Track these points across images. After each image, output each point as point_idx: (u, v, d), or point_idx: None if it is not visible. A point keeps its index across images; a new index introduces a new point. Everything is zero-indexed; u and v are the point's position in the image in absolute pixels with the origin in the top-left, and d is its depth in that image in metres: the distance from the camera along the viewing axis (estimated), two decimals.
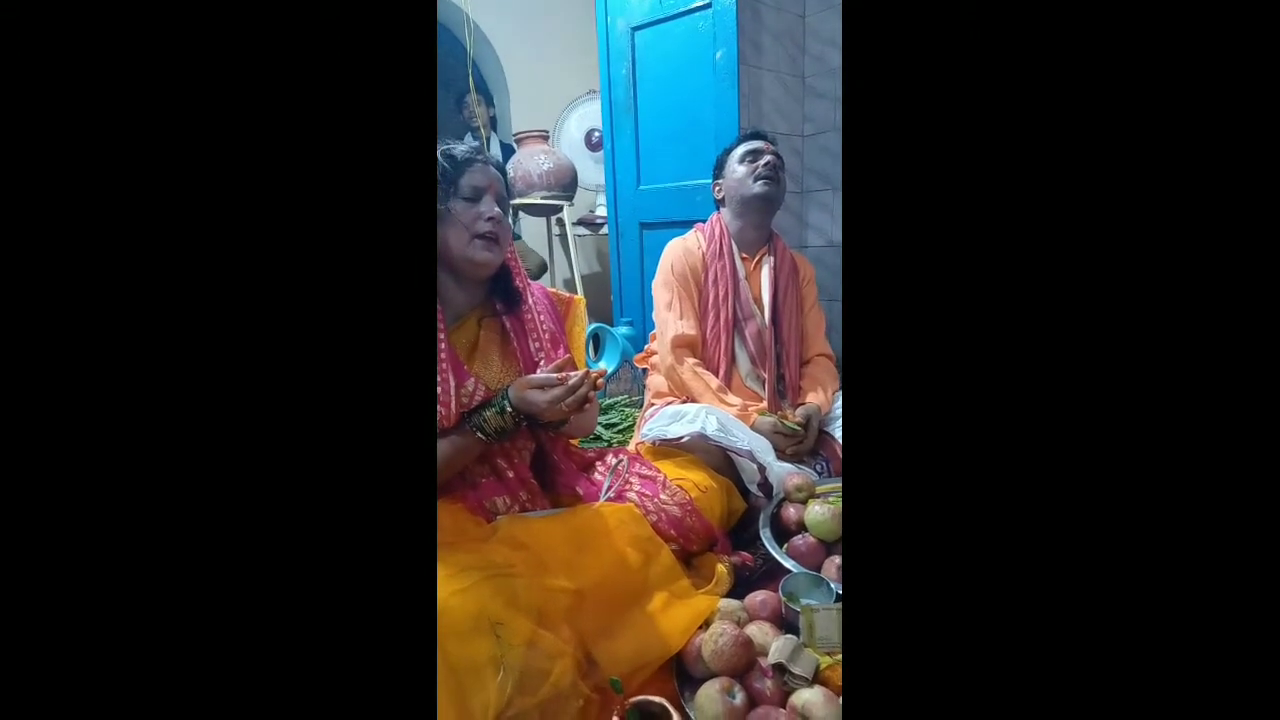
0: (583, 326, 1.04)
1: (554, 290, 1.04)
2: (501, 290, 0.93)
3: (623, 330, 2.04)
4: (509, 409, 0.82)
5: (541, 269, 2.62)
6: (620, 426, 1.73)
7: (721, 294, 1.32)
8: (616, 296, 2.11)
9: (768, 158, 1.31)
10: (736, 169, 1.32)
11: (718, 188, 1.39)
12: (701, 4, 1.66)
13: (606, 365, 1.99)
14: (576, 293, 2.46)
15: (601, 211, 2.69)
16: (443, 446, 0.82)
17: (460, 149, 0.87)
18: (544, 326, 0.94)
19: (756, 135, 1.37)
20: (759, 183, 1.29)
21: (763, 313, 1.34)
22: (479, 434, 0.83)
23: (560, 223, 2.64)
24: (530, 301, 0.94)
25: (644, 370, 1.50)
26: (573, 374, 0.80)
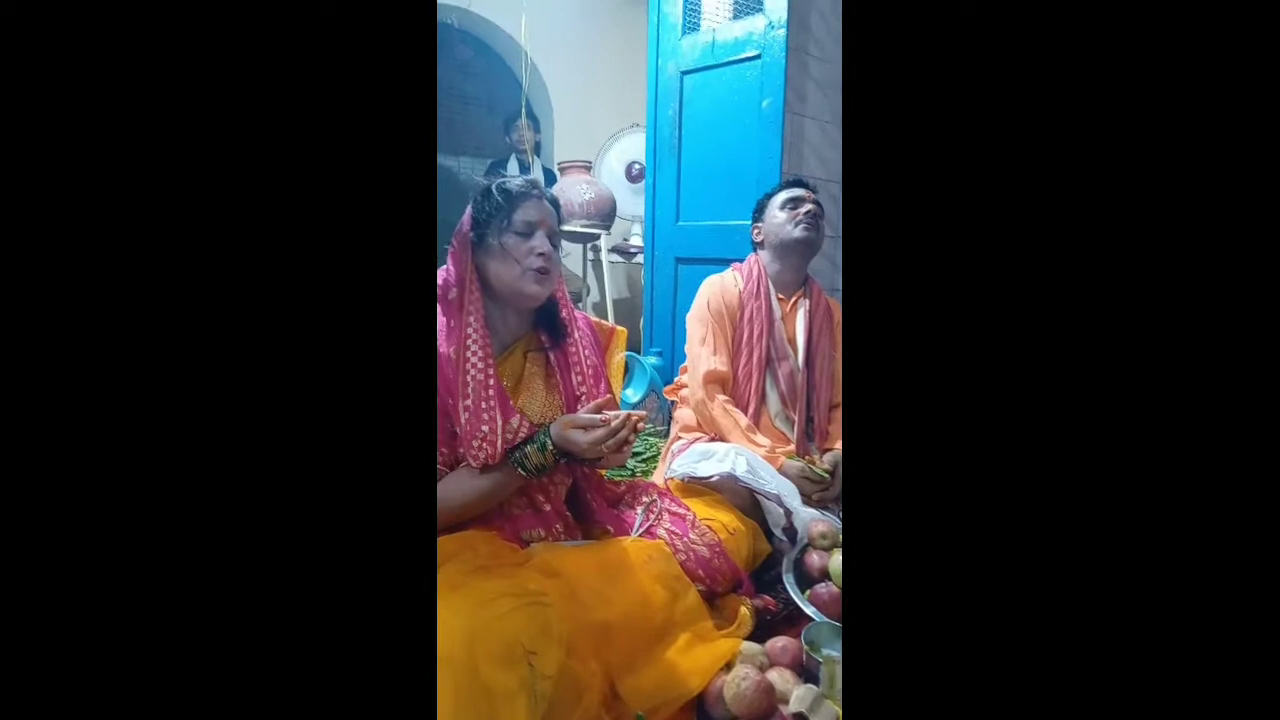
0: (622, 357, 1.06)
1: (596, 320, 1.06)
2: (547, 321, 0.94)
3: (651, 360, 2.07)
4: (550, 447, 0.83)
5: (577, 297, 2.69)
6: (645, 456, 1.75)
7: (756, 332, 1.34)
8: (647, 327, 2.15)
9: (809, 206, 1.34)
10: (777, 214, 1.36)
11: (757, 230, 1.42)
12: (752, 55, 1.71)
13: (634, 393, 2.02)
14: (607, 318, 2.50)
15: (635, 240, 2.75)
16: (483, 482, 0.83)
17: (515, 183, 0.88)
18: (588, 362, 0.95)
19: (799, 183, 1.40)
20: (799, 229, 1.32)
21: (797, 354, 1.36)
22: (520, 470, 0.84)
23: (596, 249, 2.71)
24: (576, 335, 0.95)
25: (671, 401, 1.52)
26: (614, 415, 0.81)
